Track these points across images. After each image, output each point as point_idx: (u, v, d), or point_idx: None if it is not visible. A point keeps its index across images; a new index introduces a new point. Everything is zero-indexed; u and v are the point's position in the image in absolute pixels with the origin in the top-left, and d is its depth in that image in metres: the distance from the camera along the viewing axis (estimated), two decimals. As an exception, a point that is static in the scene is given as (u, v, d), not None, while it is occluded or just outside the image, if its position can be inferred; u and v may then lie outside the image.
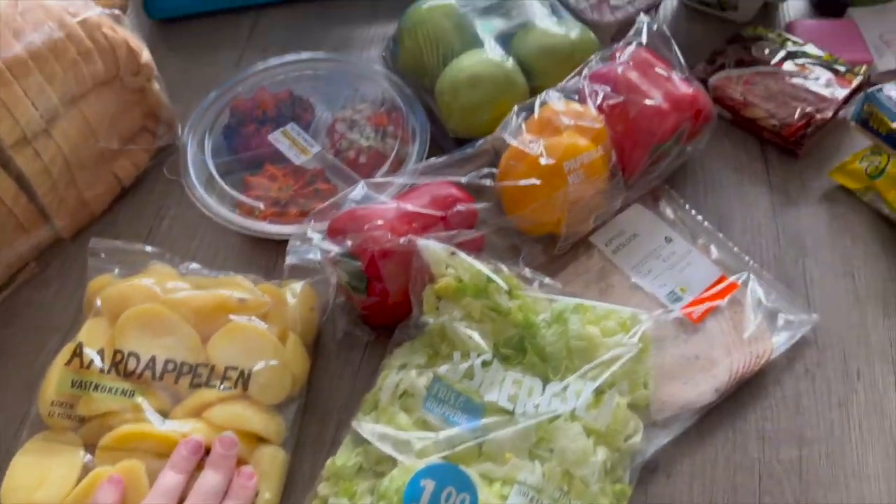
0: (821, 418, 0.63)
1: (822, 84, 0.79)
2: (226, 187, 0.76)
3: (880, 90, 0.74)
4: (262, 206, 0.74)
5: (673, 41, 0.74)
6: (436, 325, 0.60)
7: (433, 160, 0.70)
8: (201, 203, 0.75)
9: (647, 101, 0.69)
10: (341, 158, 0.78)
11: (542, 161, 0.66)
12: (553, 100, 0.70)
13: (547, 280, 0.62)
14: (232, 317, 0.63)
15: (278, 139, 0.80)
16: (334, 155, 0.79)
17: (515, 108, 0.71)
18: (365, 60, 0.88)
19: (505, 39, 0.79)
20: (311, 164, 0.78)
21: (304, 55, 0.88)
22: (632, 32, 0.75)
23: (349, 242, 0.61)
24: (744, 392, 0.64)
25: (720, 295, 0.67)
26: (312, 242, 0.63)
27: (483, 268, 0.59)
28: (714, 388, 0.62)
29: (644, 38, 0.74)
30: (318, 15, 0.97)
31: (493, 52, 0.76)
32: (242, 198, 0.75)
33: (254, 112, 0.82)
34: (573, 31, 0.78)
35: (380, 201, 0.66)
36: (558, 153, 0.66)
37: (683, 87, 0.71)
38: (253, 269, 0.71)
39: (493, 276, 0.59)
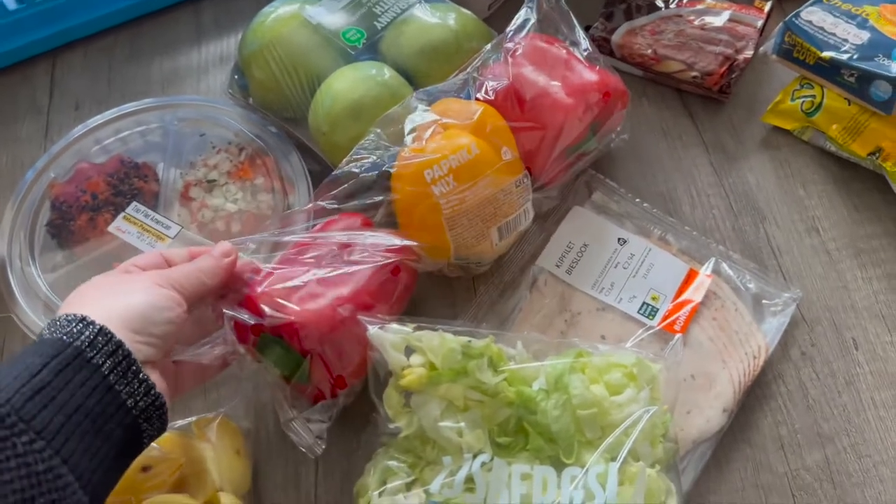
0: (833, 406, 0.57)
1: (726, 19, 0.71)
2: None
3: (798, 16, 0.66)
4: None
5: (572, 15, 0.63)
6: (412, 430, 0.48)
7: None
8: (44, 337, 0.58)
9: (553, 101, 0.58)
10: (208, 233, 0.63)
11: (401, 176, 0.54)
12: (420, 103, 0.58)
13: (510, 335, 0.51)
14: (142, 499, 0.48)
15: (122, 229, 0.63)
16: (198, 231, 0.63)
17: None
18: (204, 98, 0.71)
19: (374, 45, 0.64)
20: (174, 248, 0.62)
21: (128, 107, 0.70)
22: (521, 16, 0.62)
23: (267, 317, 0.49)
24: (748, 398, 0.57)
25: (696, 293, 0.59)
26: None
27: (456, 341, 0.48)
28: (722, 409, 0.55)
29: (534, 18, 0.61)
30: (131, 46, 0.78)
31: (367, 66, 0.62)
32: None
33: (80, 199, 0.64)
34: (449, 17, 0.65)
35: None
36: (416, 161, 0.54)
37: (587, 73, 0.60)
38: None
39: (473, 355, 0.47)
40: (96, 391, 0.38)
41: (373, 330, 0.48)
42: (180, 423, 0.54)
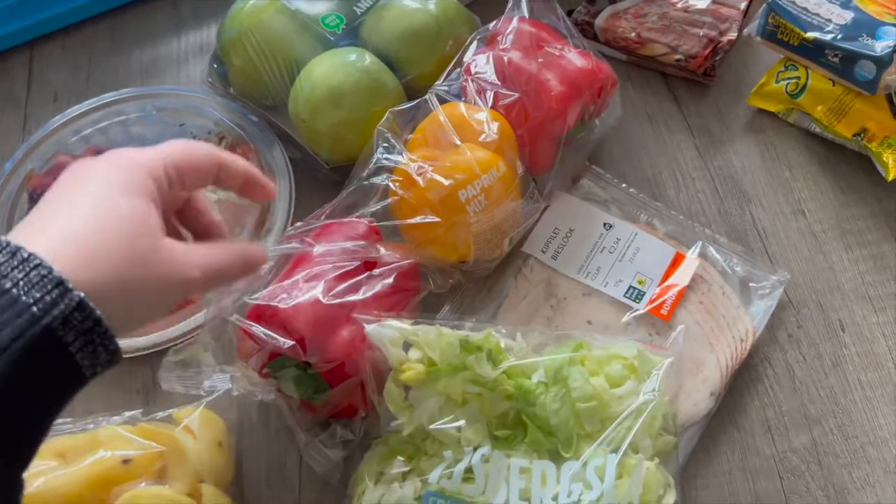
0: (819, 388, 0.57)
1: (710, 1, 0.70)
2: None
3: (781, -3, 0.66)
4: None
5: (557, 4, 0.62)
6: (410, 422, 0.47)
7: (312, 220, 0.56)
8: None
9: (545, 91, 0.57)
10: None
11: (432, 195, 0.53)
12: (437, 108, 0.56)
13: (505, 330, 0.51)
14: (123, 490, 0.48)
15: (105, 219, 0.62)
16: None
17: (389, 115, 0.57)
18: (184, 88, 0.70)
19: (354, 30, 0.64)
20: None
21: (107, 97, 0.69)
22: (510, 4, 0.61)
23: (283, 343, 0.47)
24: (735, 381, 0.56)
25: (683, 276, 0.59)
26: (208, 365, 0.49)
27: (454, 335, 0.47)
28: (710, 393, 0.55)
29: (525, 9, 0.61)
30: (109, 37, 0.77)
31: (347, 52, 0.61)
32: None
33: (61, 190, 0.63)
34: (430, 2, 0.64)
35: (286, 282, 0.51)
36: (450, 181, 0.53)
37: (579, 60, 0.59)
38: (126, 399, 0.56)
39: (471, 349, 0.47)
40: (60, 371, 0.33)
41: (370, 327, 0.48)
42: (161, 414, 0.53)
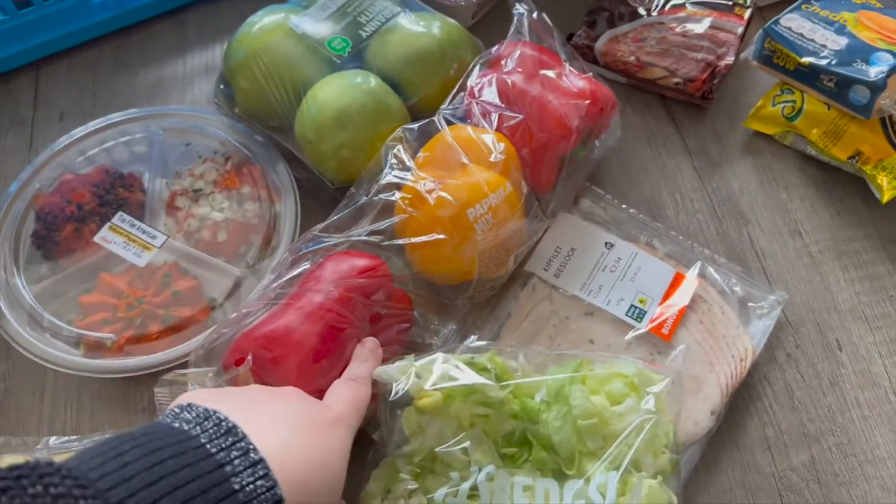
0: (818, 407, 0.58)
1: (707, 26, 0.72)
2: (56, 321, 0.59)
3: (777, 23, 0.67)
4: (113, 336, 0.58)
5: (555, 29, 0.63)
6: (420, 447, 0.48)
7: (314, 231, 0.57)
8: (29, 351, 0.57)
9: (548, 112, 0.58)
10: (195, 243, 0.63)
11: (442, 213, 0.54)
12: (445, 129, 0.57)
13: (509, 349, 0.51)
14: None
15: (108, 239, 0.63)
16: (185, 240, 0.63)
17: (400, 132, 0.59)
18: (190, 108, 0.71)
19: (360, 53, 0.65)
20: (159, 258, 0.62)
21: (113, 117, 0.70)
22: (511, 29, 0.63)
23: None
24: (735, 400, 0.57)
25: (683, 296, 0.60)
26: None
27: (460, 359, 0.48)
28: (710, 412, 0.55)
29: (526, 33, 0.62)
30: (114, 58, 0.78)
31: (353, 75, 0.62)
32: (81, 331, 0.58)
33: (65, 209, 0.64)
34: (434, 26, 0.65)
35: (275, 305, 0.52)
36: (459, 200, 0.54)
37: (579, 82, 0.61)
38: (132, 417, 0.57)
39: (478, 369, 0.48)
40: None
41: (378, 371, 0.49)
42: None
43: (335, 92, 0.60)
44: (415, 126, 0.59)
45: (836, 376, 0.59)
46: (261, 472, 0.34)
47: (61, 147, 0.68)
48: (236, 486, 0.33)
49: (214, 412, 0.36)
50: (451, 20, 0.67)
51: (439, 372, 0.47)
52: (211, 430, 0.35)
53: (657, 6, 0.73)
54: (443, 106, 0.60)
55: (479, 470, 0.46)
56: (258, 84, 0.63)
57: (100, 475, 0.30)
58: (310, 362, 0.49)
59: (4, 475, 0.29)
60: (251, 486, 0.33)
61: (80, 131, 0.69)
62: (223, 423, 0.36)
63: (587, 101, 0.61)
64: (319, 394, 0.47)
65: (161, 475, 0.31)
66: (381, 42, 0.64)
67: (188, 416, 0.36)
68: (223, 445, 0.34)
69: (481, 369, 0.48)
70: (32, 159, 0.68)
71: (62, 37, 0.77)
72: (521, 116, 0.57)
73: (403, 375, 0.47)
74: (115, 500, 0.30)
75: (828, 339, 0.60)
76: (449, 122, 0.59)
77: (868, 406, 0.58)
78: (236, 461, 0.34)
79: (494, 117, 0.58)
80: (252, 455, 0.34)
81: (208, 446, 0.34)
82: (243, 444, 0.35)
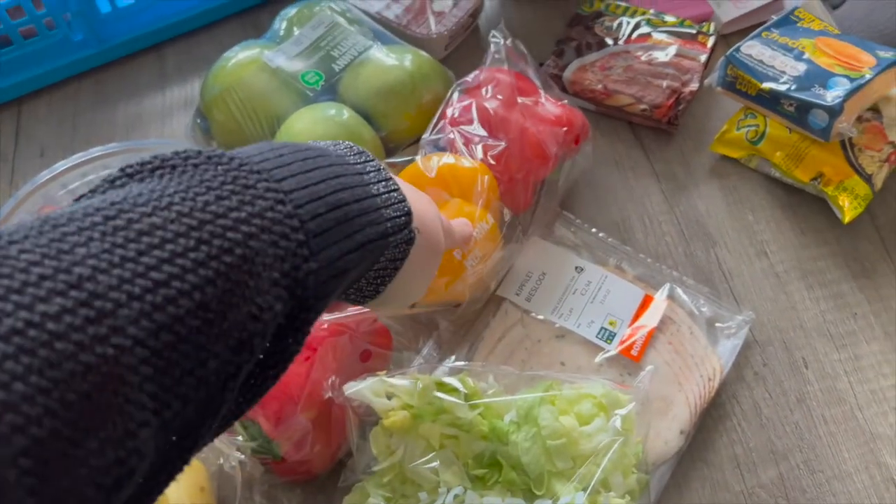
0: (785, 424, 0.59)
1: (672, 54, 0.74)
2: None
3: (738, 50, 0.69)
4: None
5: (529, 56, 0.65)
6: (390, 467, 0.49)
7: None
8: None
9: (529, 138, 0.60)
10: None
11: None
12: (423, 164, 0.59)
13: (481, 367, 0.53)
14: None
15: (92, 271, 0.64)
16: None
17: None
18: (169, 141, 0.73)
19: (333, 86, 0.66)
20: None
21: (94, 151, 0.71)
22: (488, 58, 0.64)
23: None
24: (704, 419, 0.58)
25: (652, 317, 0.61)
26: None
27: (430, 379, 0.49)
28: (679, 431, 0.56)
29: (504, 60, 0.64)
30: (95, 92, 0.79)
31: (326, 107, 0.64)
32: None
33: (48, 245, 0.65)
34: (406, 59, 0.67)
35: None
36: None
37: (555, 109, 0.63)
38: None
39: (447, 390, 0.49)
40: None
41: (349, 389, 0.50)
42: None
43: (309, 124, 0.62)
44: (400, 160, 0.60)
45: (803, 394, 0.60)
46: (393, 186, 0.38)
47: (43, 181, 0.69)
48: (373, 192, 0.36)
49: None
50: (423, 53, 0.69)
51: (408, 391, 0.48)
52: (344, 149, 0.38)
53: (623, 36, 0.75)
54: (424, 136, 0.61)
55: (448, 491, 0.47)
56: (233, 118, 0.65)
57: (261, 159, 0.32)
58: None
59: (172, 157, 0.31)
60: (387, 195, 0.37)
61: (60, 165, 0.69)
62: (354, 147, 0.39)
63: (564, 128, 0.62)
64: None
65: (314, 167, 0.34)
66: (353, 75, 0.66)
67: (320, 143, 0.39)
68: (359, 160, 0.38)
69: (451, 390, 0.49)
70: (14, 193, 0.69)
71: (43, 74, 0.78)
72: (503, 144, 0.59)
73: (373, 394, 0.48)
74: (279, 177, 0.32)
75: (794, 358, 0.62)
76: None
77: (834, 422, 0.59)
78: (371, 173, 0.37)
79: (478, 148, 0.59)
80: (384, 172, 0.38)
81: (348, 157, 0.37)
82: (375, 163, 0.38)
